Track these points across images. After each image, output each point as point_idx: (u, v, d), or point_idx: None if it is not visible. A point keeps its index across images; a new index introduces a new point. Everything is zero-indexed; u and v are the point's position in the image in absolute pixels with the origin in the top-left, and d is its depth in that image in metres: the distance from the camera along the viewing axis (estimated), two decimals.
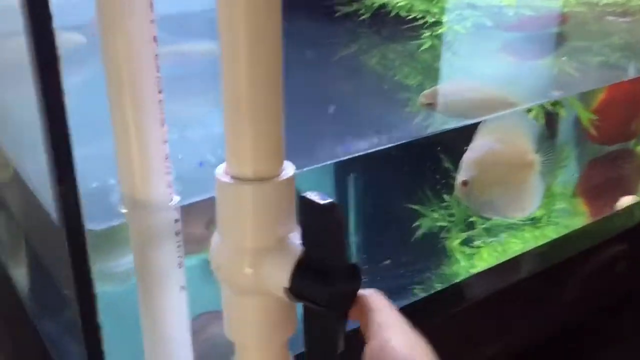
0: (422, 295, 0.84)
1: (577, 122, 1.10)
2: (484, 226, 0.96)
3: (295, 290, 0.39)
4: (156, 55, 0.43)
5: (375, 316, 0.42)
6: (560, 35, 1.17)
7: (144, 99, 0.43)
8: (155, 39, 0.43)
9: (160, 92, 0.44)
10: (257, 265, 0.41)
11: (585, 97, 1.08)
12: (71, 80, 0.42)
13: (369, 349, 0.41)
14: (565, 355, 0.93)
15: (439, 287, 0.86)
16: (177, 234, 0.47)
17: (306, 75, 0.93)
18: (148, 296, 0.47)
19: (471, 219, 0.97)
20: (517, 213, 0.91)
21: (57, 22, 0.40)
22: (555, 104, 1.01)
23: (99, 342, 0.47)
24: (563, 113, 1.04)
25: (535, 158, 0.86)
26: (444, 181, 0.98)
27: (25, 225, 0.75)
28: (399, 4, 1.15)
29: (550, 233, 0.98)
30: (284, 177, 0.41)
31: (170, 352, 0.48)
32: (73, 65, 0.44)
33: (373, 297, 0.44)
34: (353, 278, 0.41)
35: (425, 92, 0.88)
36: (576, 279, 0.95)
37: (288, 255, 0.40)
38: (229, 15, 0.37)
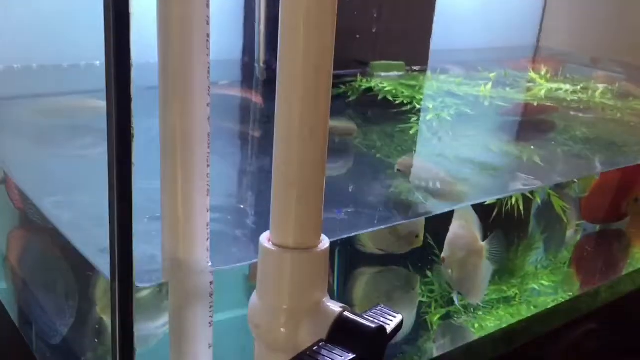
0: None
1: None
2: (462, 302, 1.00)
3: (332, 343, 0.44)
4: (209, 133, 0.48)
5: None
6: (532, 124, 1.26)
7: (194, 170, 0.48)
8: (209, 117, 0.48)
9: (208, 165, 0.49)
10: (292, 325, 0.45)
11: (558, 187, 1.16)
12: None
13: None
14: None
15: None
16: (210, 295, 0.51)
17: None
18: (180, 352, 0.50)
19: (451, 295, 1.02)
20: (472, 297, 0.96)
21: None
22: (532, 192, 1.08)
23: None
24: (538, 199, 1.11)
25: (483, 246, 0.91)
26: (426, 259, 1.03)
27: None
28: (386, 89, 1.23)
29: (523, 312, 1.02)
30: (321, 249, 0.46)
31: None
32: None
33: None
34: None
35: (400, 160, 0.96)
36: (546, 358, 0.99)
37: (325, 316, 0.45)
38: (287, 107, 0.43)
